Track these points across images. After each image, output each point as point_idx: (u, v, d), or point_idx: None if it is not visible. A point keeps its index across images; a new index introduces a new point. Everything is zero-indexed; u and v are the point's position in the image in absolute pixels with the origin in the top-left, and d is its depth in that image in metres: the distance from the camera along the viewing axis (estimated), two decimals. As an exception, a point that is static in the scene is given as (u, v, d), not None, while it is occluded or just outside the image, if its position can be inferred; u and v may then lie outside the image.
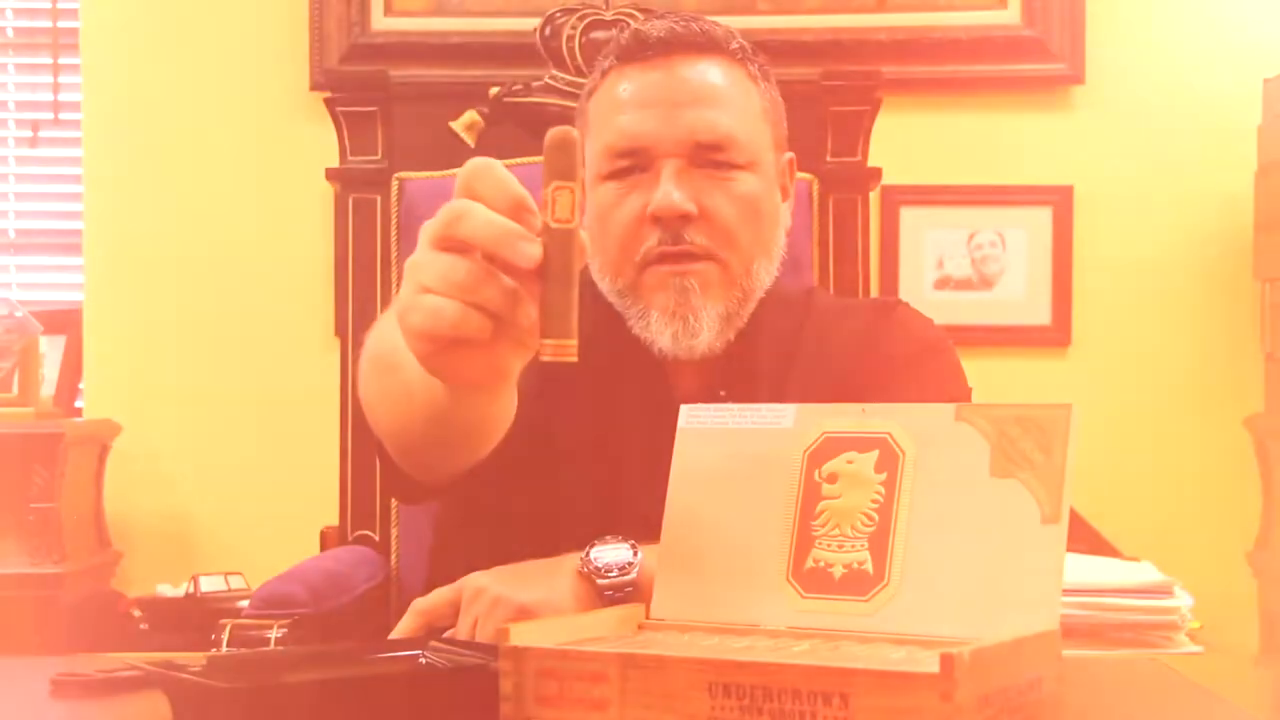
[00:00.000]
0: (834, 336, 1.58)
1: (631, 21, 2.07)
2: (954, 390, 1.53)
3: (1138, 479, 3.00)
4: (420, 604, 1.30)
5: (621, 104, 1.49)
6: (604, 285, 1.53)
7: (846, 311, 1.62)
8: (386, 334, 1.23)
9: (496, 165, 0.94)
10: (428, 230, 0.95)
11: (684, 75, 1.49)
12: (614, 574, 1.28)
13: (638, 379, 1.54)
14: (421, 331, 0.94)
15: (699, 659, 0.90)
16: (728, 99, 1.50)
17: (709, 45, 1.51)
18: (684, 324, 1.48)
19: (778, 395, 1.52)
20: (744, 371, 1.53)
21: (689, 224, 1.46)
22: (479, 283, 0.91)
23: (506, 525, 1.50)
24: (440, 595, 1.30)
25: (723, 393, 1.52)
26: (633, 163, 1.49)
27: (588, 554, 1.30)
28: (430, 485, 1.37)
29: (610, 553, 1.29)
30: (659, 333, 1.49)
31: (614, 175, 1.50)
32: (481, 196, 0.92)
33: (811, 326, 1.59)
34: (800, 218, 2.07)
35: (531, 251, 0.90)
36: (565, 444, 1.52)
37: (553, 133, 0.91)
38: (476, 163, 0.94)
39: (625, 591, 1.28)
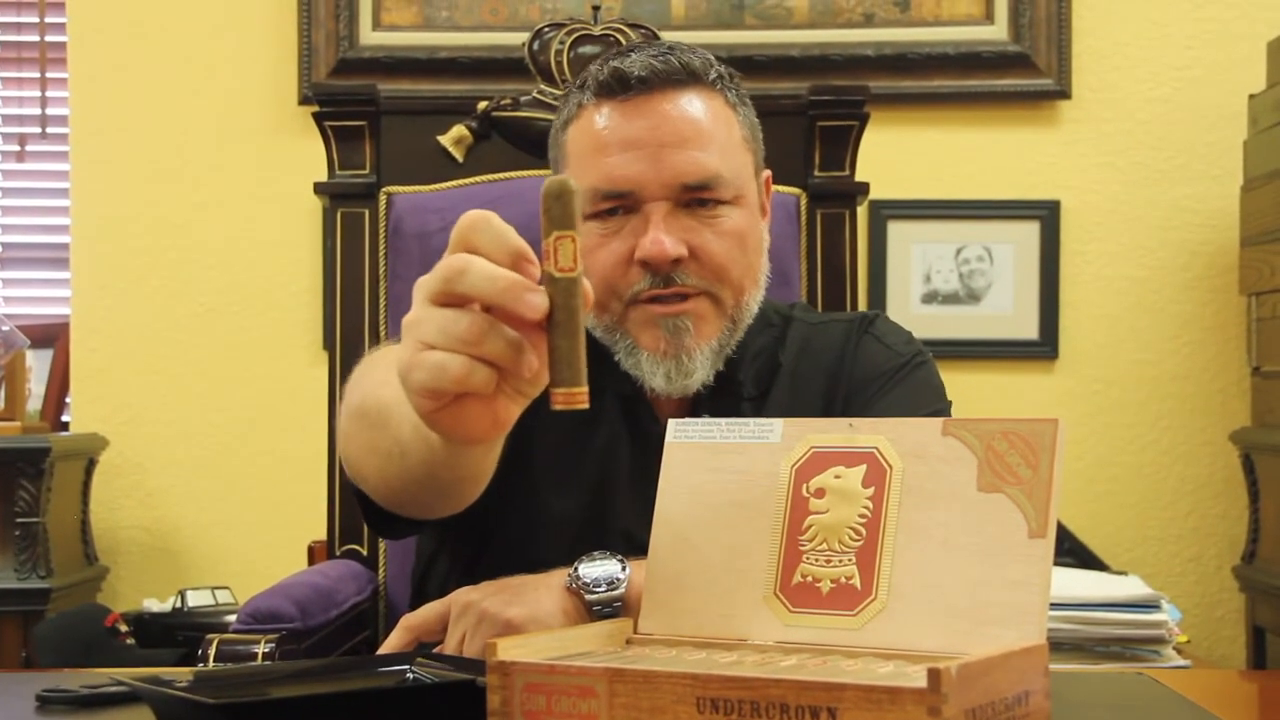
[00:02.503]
0: (813, 353, 1.58)
1: (619, 39, 2.07)
2: (934, 403, 1.54)
3: (1125, 493, 3.01)
4: (409, 619, 1.31)
5: (606, 145, 1.48)
6: (591, 322, 1.51)
7: (825, 327, 1.62)
8: (371, 389, 1.23)
9: (493, 217, 0.93)
10: (425, 286, 0.93)
11: (667, 115, 1.47)
12: (602, 589, 1.29)
13: (619, 403, 1.54)
14: (426, 389, 0.92)
15: (686, 673, 0.90)
16: (711, 135, 1.48)
17: (688, 78, 1.49)
18: (677, 364, 1.48)
19: (758, 414, 1.53)
20: (727, 393, 1.54)
21: (679, 265, 1.46)
22: (482, 335, 0.90)
23: (488, 552, 1.51)
24: (429, 610, 1.30)
25: (705, 415, 1.53)
26: (619, 204, 1.48)
27: (576, 570, 1.30)
28: (415, 521, 1.36)
29: (598, 568, 1.29)
30: (651, 373, 1.48)
31: (598, 215, 1.49)
32: (480, 249, 0.92)
33: (791, 344, 1.60)
34: (787, 232, 2.07)
35: (539, 303, 0.90)
36: (546, 470, 1.52)
37: (550, 182, 0.91)
38: (473, 215, 0.93)
39: (613, 607, 1.28)
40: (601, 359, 1.53)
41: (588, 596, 1.29)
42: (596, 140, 1.48)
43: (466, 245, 0.92)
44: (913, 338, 1.64)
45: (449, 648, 1.27)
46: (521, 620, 1.25)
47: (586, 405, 0.92)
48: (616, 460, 1.53)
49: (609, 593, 1.28)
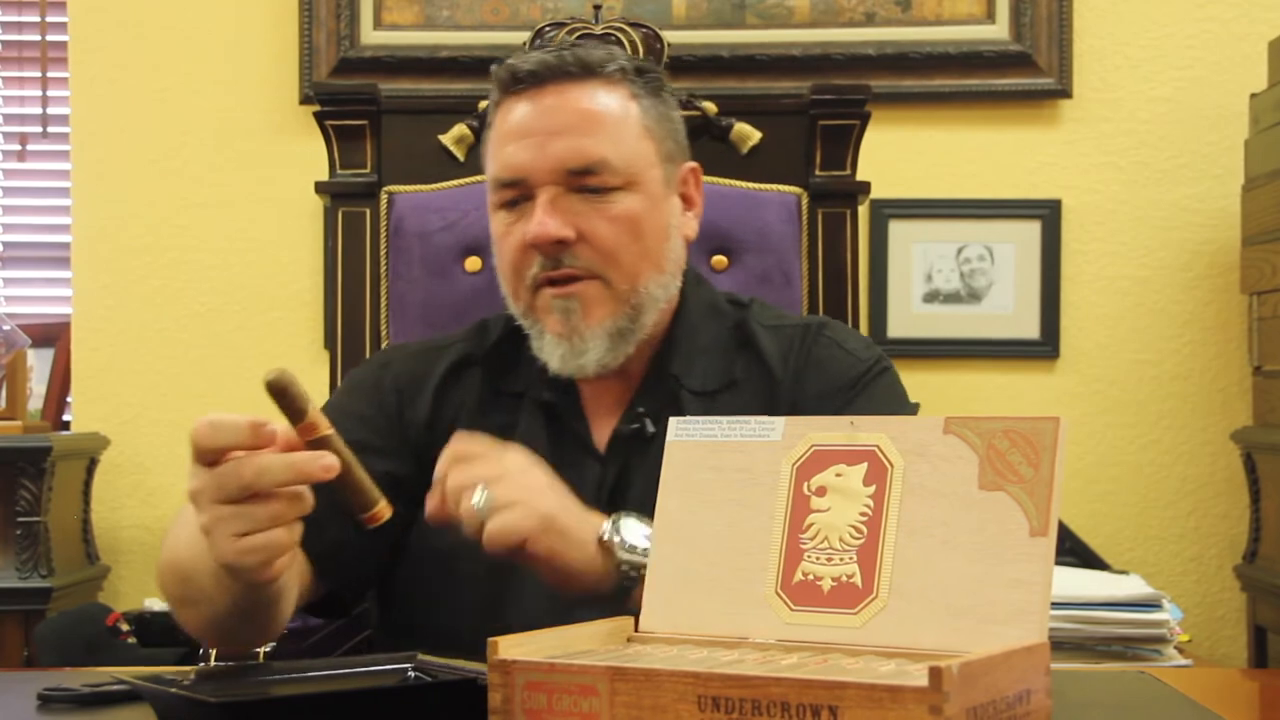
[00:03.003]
0: (768, 359, 1.59)
1: (621, 38, 2.07)
2: (902, 411, 1.54)
3: (1126, 492, 3.01)
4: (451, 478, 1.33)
5: (503, 136, 1.55)
6: (510, 307, 1.60)
7: (779, 331, 1.62)
8: (173, 553, 1.38)
9: (216, 417, 1.12)
10: (218, 491, 1.12)
11: (555, 105, 1.53)
12: (636, 554, 1.32)
13: (540, 410, 1.58)
14: (265, 564, 1.14)
15: (688, 671, 0.90)
16: (599, 123, 1.53)
17: (581, 72, 1.55)
18: (570, 345, 1.53)
19: (708, 414, 1.53)
20: (663, 385, 1.56)
21: (567, 248, 1.52)
22: (285, 510, 1.13)
23: (406, 562, 1.55)
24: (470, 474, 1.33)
25: (640, 409, 1.54)
26: (517, 193, 1.54)
27: (615, 528, 1.34)
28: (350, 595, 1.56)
29: (633, 531, 1.34)
30: (550, 354, 1.54)
31: (504, 205, 1.56)
32: (232, 446, 1.12)
33: (744, 345, 1.60)
34: (788, 231, 2.07)
35: (331, 463, 1.12)
36: None
37: (267, 383, 1.11)
38: (201, 426, 1.12)
39: (636, 574, 1.31)
40: (517, 363, 1.60)
41: (620, 555, 1.33)
42: (497, 133, 1.56)
43: (215, 453, 1.12)
44: (871, 342, 1.66)
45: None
46: (549, 549, 1.31)
47: (390, 514, 1.18)
48: (560, 467, 1.54)
49: (634, 566, 1.31)
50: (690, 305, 1.61)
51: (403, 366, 1.64)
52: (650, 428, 1.53)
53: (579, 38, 2.08)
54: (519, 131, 1.53)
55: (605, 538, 1.32)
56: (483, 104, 2.10)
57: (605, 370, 1.54)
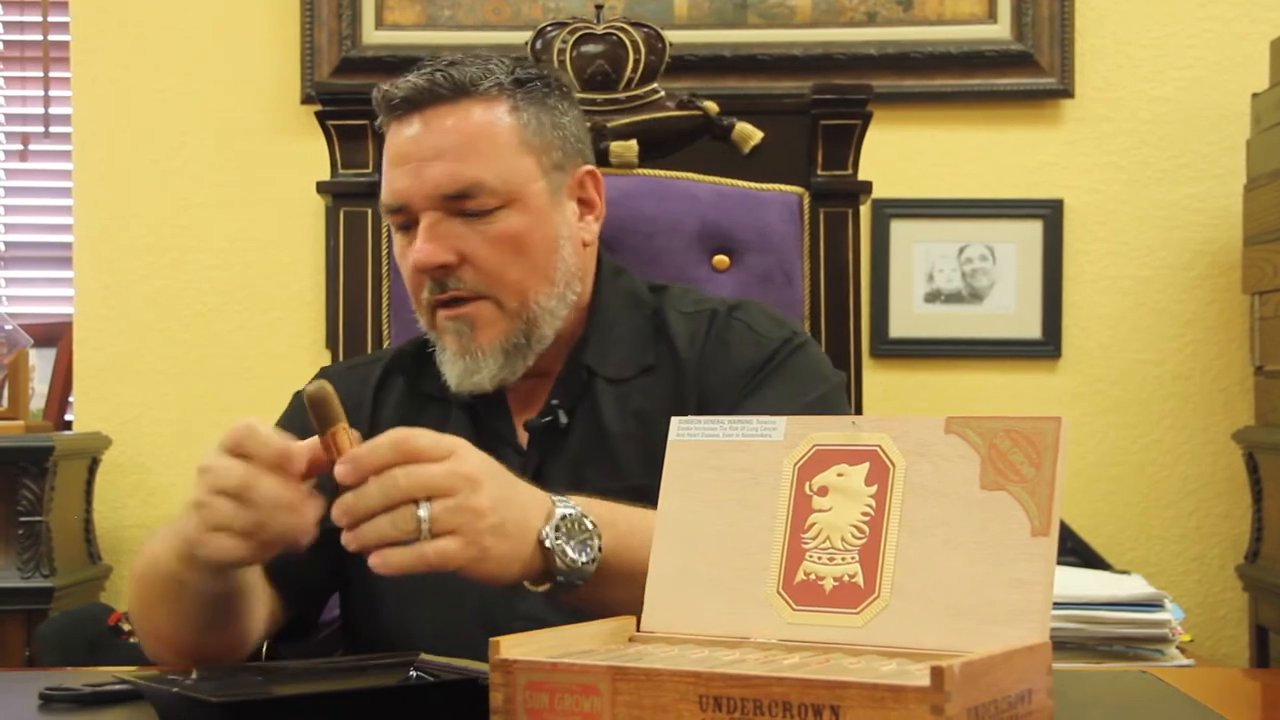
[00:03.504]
0: (676, 343, 1.59)
1: (623, 38, 2.07)
2: (814, 389, 1.54)
3: (1128, 492, 3.01)
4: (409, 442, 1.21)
5: (388, 161, 1.56)
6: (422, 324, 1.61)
7: (693, 316, 1.62)
8: (143, 563, 1.40)
9: (261, 428, 1.20)
10: (210, 475, 1.22)
11: (428, 128, 1.53)
12: (570, 573, 1.25)
13: (465, 411, 1.59)
14: (217, 560, 1.23)
15: (689, 671, 0.90)
16: (471, 145, 1.53)
17: (455, 91, 1.53)
18: (464, 362, 1.54)
19: (622, 404, 1.55)
20: (581, 381, 1.58)
21: (451, 272, 1.52)
22: (254, 479, 1.20)
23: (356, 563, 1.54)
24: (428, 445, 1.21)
25: (555, 401, 1.55)
26: (404, 218, 1.55)
27: (554, 532, 1.24)
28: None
29: (573, 548, 1.25)
30: (449, 371, 1.55)
31: (398, 228, 1.57)
32: (252, 455, 1.20)
33: (660, 331, 1.61)
34: (790, 231, 2.07)
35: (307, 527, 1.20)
36: None
37: (306, 394, 1.15)
38: (243, 424, 1.21)
39: (580, 582, 1.26)
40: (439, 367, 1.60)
41: (555, 564, 1.24)
42: (385, 157, 1.57)
43: (239, 450, 1.21)
44: (786, 319, 1.64)
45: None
46: (480, 561, 1.19)
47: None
48: None
49: (571, 579, 1.25)
50: (605, 298, 1.62)
51: (340, 382, 1.65)
52: (563, 419, 1.55)
53: (579, 38, 2.08)
54: (399, 157, 1.54)
55: (547, 544, 1.24)
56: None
57: (504, 384, 1.55)
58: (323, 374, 1.71)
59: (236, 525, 1.20)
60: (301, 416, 1.63)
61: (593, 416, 1.56)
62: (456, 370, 1.54)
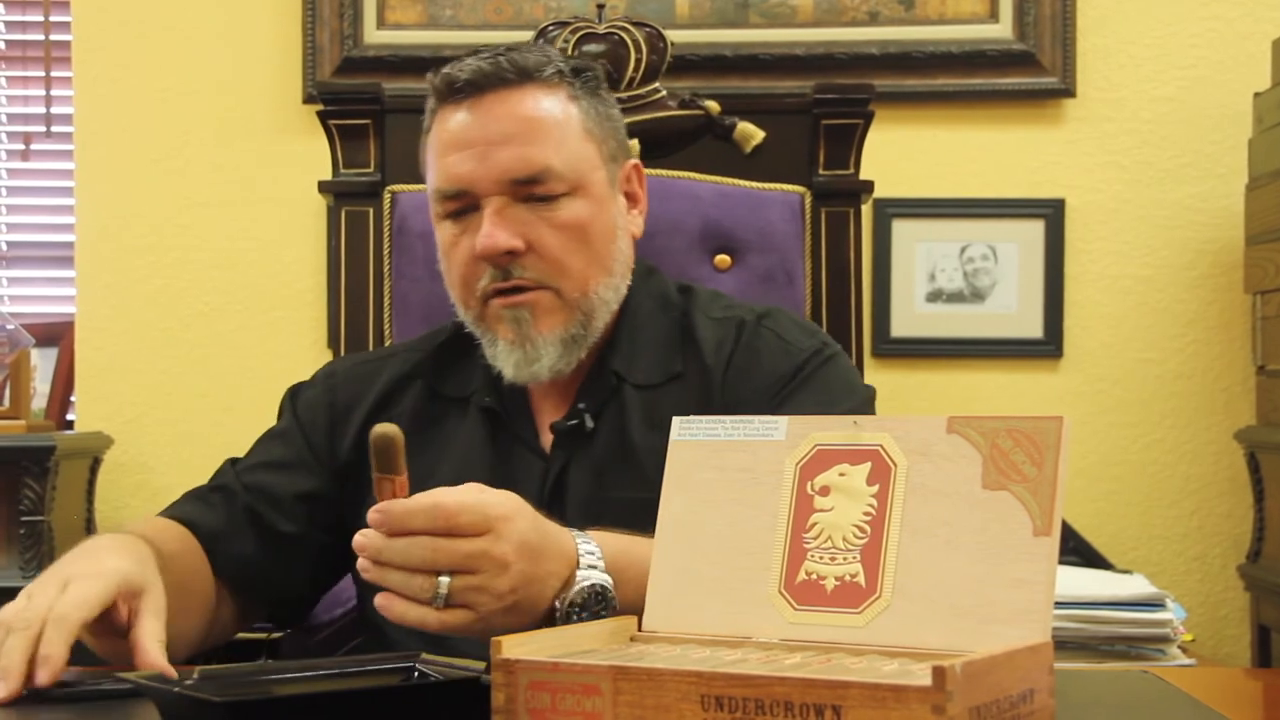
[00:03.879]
0: (704, 350, 1.58)
1: (625, 37, 2.08)
2: (845, 401, 1.53)
3: (1129, 492, 3.01)
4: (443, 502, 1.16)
5: (444, 146, 1.53)
6: (461, 315, 1.59)
7: (721, 323, 1.61)
8: None
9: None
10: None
11: (494, 113, 1.51)
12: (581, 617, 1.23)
13: (501, 409, 1.58)
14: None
15: (691, 671, 0.90)
16: (541, 130, 1.52)
17: (519, 77, 1.53)
18: (523, 353, 1.53)
19: (648, 411, 1.54)
20: (608, 385, 1.56)
21: (516, 259, 1.51)
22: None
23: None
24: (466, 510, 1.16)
25: (581, 405, 1.54)
26: (462, 204, 1.52)
27: (568, 605, 1.22)
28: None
29: (588, 617, 1.22)
30: (504, 362, 1.54)
31: (449, 215, 1.54)
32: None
33: (687, 337, 1.60)
34: (792, 230, 2.07)
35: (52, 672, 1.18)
36: (450, 472, 1.53)
37: (374, 431, 1.11)
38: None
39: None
40: (462, 368, 1.60)
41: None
42: (438, 144, 1.54)
43: None
44: (816, 330, 1.64)
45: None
46: (483, 632, 1.15)
47: None
48: (471, 469, 1.53)
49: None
50: (637, 300, 1.61)
51: (344, 379, 1.66)
52: (589, 423, 1.53)
53: (581, 37, 2.08)
54: (460, 141, 1.52)
55: (557, 616, 1.21)
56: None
57: (559, 376, 1.54)
58: (329, 369, 1.71)
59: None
60: (294, 417, 1.64)
61: (618, 422, 1.54)
62: (512, 360, 1.53)
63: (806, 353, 1.56)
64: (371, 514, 1.13)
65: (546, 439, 1.56)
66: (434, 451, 1.58)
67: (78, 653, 1.24)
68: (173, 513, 1.56)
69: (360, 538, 1.14)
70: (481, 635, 1.13)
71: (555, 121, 1.53)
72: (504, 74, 1.52)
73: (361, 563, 1.15)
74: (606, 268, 1.56)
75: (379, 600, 1.15)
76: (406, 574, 1.13)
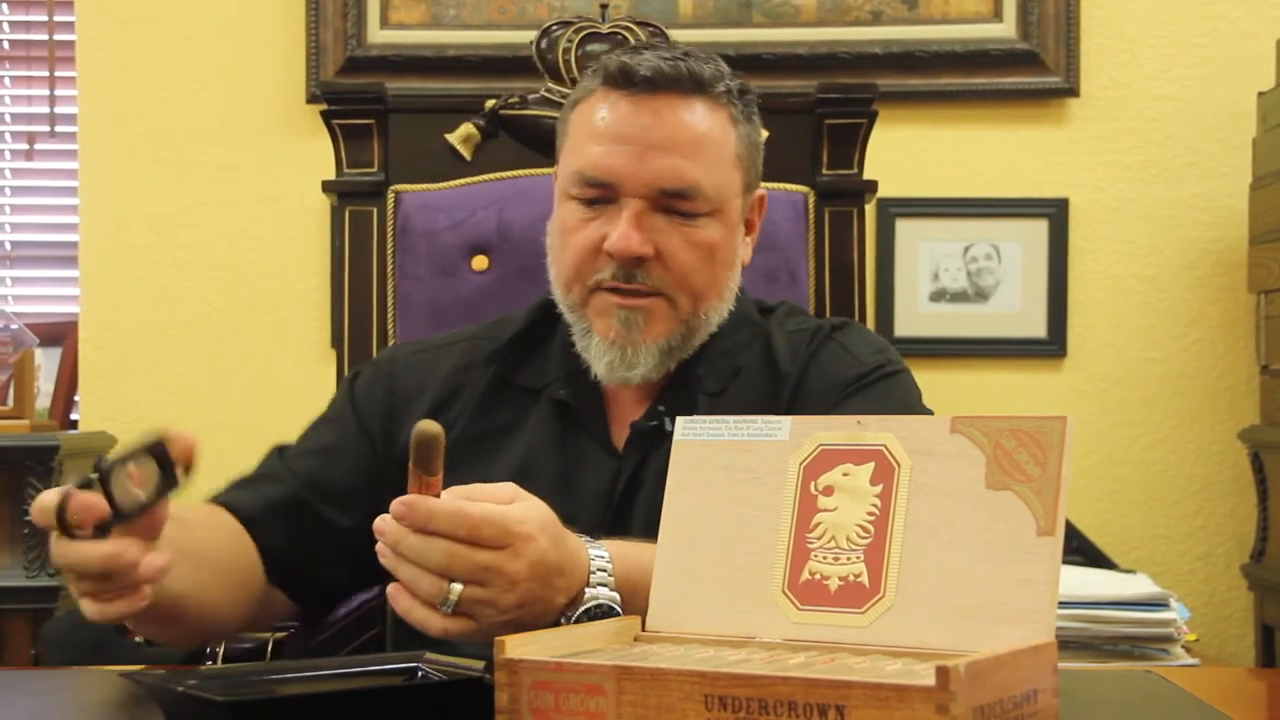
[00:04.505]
0: (777, 355, 1.59)
1: (628, 37, 2.07)
2: (900, 413, 1.52)
3: (1133, 491, 3.00)
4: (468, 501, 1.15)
5: (598, 132, 1.52)
6: (558, 295, 1.58)
7: (794, 335, 1.62)
8: None
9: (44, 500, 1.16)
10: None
11: (661, 117, 1.50)
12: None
13: (574, 403, 1.57)
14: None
15: (695, 671, 0.90)
16: (700, 147, 1.51)
17: (694, 87, 1.52)
18: (622, 354, 1.52)
19: (716, 411, 1.52)
20: (683, 388, 1.56)
21: (643, 264, 1.50)
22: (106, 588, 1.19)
23: None
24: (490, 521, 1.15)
25: (661, 408, 1.54)
26: (601, 193, 1.51)
27: (574, 616, 1.21)
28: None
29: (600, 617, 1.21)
30: (597, 358, 1.53)
31: (580, 197, 1.53)
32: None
33: (759, 346, 1.60)
34: (795, 230, 2.07)
35: (130, 557, 1.16)
36: (514, 464, 1.54)
37: (416, 429, 1.10)
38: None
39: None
40: (537, 358, 1.59)
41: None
42: (592, 127, 1.52)
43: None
44: (885, 347, 1.64)
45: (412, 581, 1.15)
46: (485, 641, 1.13)
47: None
48: (536, 465, 1.54)
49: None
50: (727, 318, 1.61)
51: (405, 366, 1.65)
52: (669, 425, 1.51)
53: (585, 37, 2.08)
54: (618, 134, 1.50)
55: (569, 621, 1.20)
56: (490, 102, 2.10)
57: (647, 382, 1.54)
58: (389, 354, 1.70)
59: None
60: (350, 402, 1.63)
61: None
62: (606, 359, 1.52)
63: (869, 366, 1.57)
64: (395, 504, 1.12)
65: (619, 437, 1.56)
66: (498, 440, 1.57)
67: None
68: (215, 499, 1.54)
69: (380, 522, 1.14)
70: (477, 641, 1.14)
71: (714, 143, 1.53)
72: (681, 80, 1.51)
73: (381, 546, 1.15)
74: (720, 293, 1.57)
75: (390, 590, 1.14)
76: (419, 572, 1.13)
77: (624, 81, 1.51)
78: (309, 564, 1.53)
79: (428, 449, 1.11)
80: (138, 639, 2.57)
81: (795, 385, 1.56)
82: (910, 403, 1.58)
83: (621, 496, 1.52)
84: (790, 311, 1.67)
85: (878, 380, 1.56)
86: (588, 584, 1.21)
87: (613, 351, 1.52)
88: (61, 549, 1.15)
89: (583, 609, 1.20)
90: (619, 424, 1.57)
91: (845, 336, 1.61)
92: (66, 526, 1.14)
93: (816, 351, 1.58)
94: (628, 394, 1.57)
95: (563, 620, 1.20)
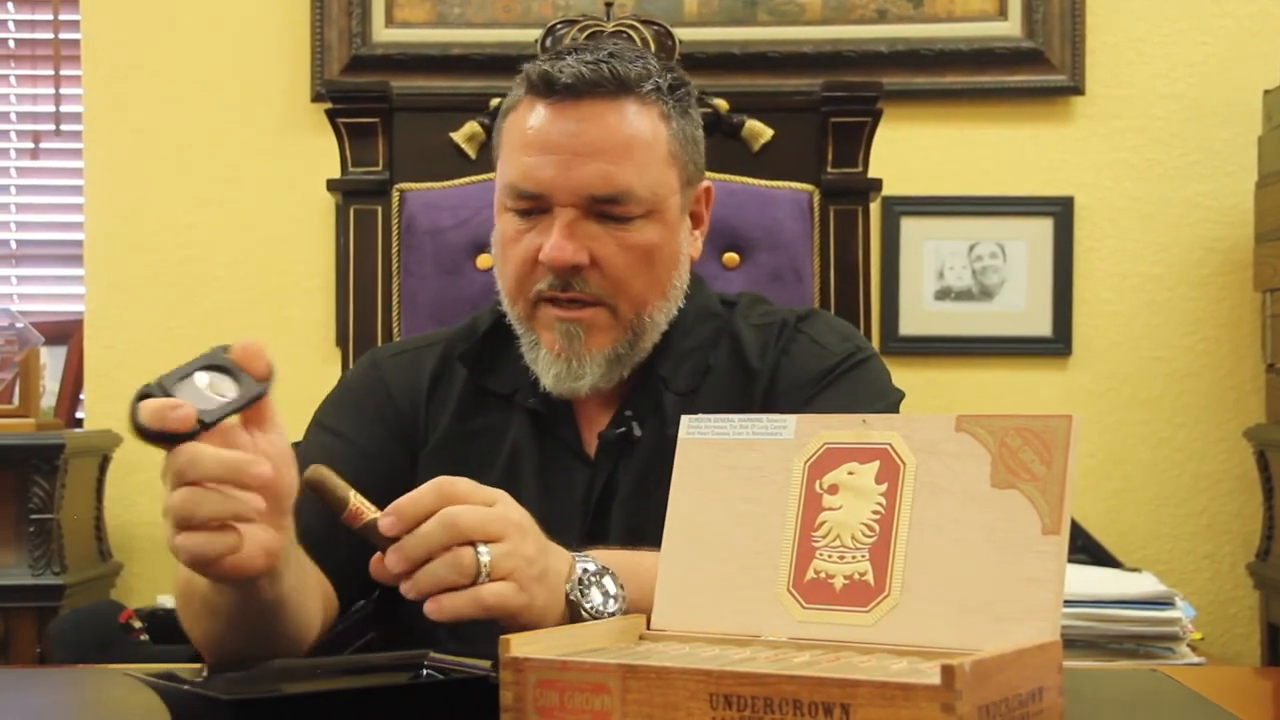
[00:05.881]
0: (747, 352, 1.58)
1: (633, 35, 2.07)
2: (873, 403, 1.52)
3: (1139, 490, 3.00)
4: (453, 514, 1.15)
5: (526, 142, 1.50)
6: (506, 308, 1.57)
7: (762, 329, 1.61)
8: (184, 576, 1.31)
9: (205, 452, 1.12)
10: (165, 479, 1.15)
11: (587, 124, 1.48)
12: (600, 612, 1.24)
13: (528, 417, 1.56)
14: (191, 561, 1.14)
15: (700, 669, 0.90)
16: (629, 149, 1.49)
17: (619, 89, 1.50)
18: (568, 366, 1.51)
19: (688, 412, 1.52)
20: (649, 388, 1.55)
21: (579, 272, 1.49)
22: (214, 502, 1.12)
23: None
24: (470, 507, 1.16)
25: (628, 413, 1.54)
26: (533, 204, 1.50)
27: (581, 591, 1.23)
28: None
29: (598, 596, 1.24)
30: (544, 371, 1.52)
31: (515, 209, 1.52)
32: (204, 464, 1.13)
33: (726, 344, 1.59)
34: (800, 229, 2.07)
35: (261, 471, 1.13)
36: (499, 470, 1.54)
37: (305, 478, 1.13)
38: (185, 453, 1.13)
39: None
40: (505, 362, 1.58)
41: (581, 616, 1.23)
42: (521, 137, 1.51)
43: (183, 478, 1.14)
44: (852, 334, 1.63)
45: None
46: (527, 608, 1.17)
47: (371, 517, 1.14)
48: (520, 470, 1.54)
49: (602, 613, 1.24)
50: (686, 311, 1.59)
51: (391, 367, 1.64)
52: (637, 431, 1.53)
53: (589, 35, 2.08)
54: (545, 143, 1.49)
55: (571, 596, 1.22)
56: (495, 101, 2.10)
57: (597, 392, 1.54)
58: (372, 358, 1.68)
59: (202, 515, 1.12)
60: (353, 401, 1.61)
61: (660, 429, 1.53)
62: (554, 371, 1.51)
63: (839, 356, 1.56)
64: (383, 521, 1.12)
65: (590, 444, 1.55)
66: (482, 447, 1.56)
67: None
68: None
69: (391, 556, 1.13)
70: (525, 618, 1.15)
71: (644, 143, 1.51)
72: (604, 83, 1.49)
73: (404, 586, 1.13)
74: (664, 292, 1.55)
75: (429, 607, 1.13)
76: (447, 563, 1.12)
77: (547, 89, 1.49)
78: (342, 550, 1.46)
79: (325, 487, 1.13)
80: (142, 637, 2.57)
81: (768, 383, 1.55)
82: (882, 389, 1.58)
83: (597, 504, 1.51)
84: (753, 302, 1.66)
85: (848, 370, 1.56)
86: (574, 560, 1.24)
87: (559, 364, 1.51)
88: (185, 454, 1.12)
89: (579, 572, 1.22)
90: (589, 430, 1.56)
91: (812, 327, 1.60)
92: (153, 435, 1.11)
93: (786, 347, 1.57)
94: (594, 400, 1.56)
95: (568, 588, 1.21)
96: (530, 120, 1.50)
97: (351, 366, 1.70)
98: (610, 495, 1.52)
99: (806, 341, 1.58)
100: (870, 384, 1.56)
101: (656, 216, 1.52)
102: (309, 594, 1.33)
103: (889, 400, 1.57)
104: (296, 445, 1.50)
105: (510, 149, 1.53)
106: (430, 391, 1.60)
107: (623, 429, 1.53)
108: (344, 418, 1.60)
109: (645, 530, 1.32)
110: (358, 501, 1.13)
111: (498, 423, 1.57)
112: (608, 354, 1.52)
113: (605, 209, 1.49)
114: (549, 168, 1.48)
